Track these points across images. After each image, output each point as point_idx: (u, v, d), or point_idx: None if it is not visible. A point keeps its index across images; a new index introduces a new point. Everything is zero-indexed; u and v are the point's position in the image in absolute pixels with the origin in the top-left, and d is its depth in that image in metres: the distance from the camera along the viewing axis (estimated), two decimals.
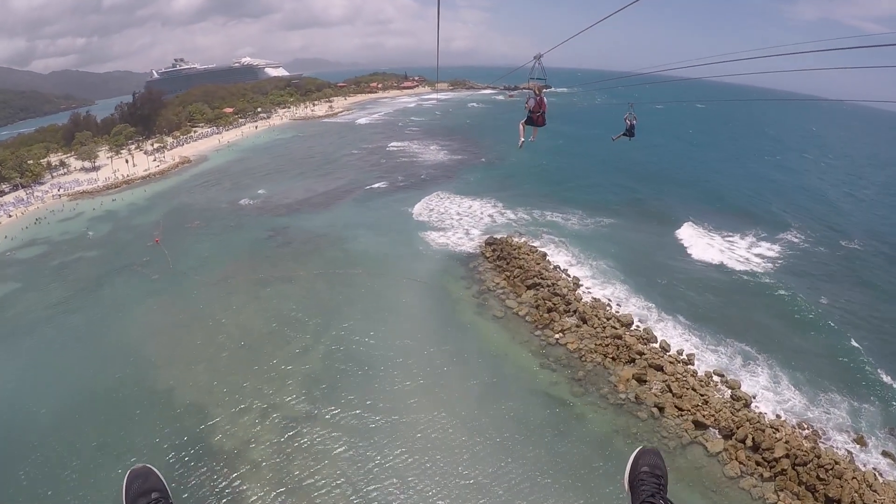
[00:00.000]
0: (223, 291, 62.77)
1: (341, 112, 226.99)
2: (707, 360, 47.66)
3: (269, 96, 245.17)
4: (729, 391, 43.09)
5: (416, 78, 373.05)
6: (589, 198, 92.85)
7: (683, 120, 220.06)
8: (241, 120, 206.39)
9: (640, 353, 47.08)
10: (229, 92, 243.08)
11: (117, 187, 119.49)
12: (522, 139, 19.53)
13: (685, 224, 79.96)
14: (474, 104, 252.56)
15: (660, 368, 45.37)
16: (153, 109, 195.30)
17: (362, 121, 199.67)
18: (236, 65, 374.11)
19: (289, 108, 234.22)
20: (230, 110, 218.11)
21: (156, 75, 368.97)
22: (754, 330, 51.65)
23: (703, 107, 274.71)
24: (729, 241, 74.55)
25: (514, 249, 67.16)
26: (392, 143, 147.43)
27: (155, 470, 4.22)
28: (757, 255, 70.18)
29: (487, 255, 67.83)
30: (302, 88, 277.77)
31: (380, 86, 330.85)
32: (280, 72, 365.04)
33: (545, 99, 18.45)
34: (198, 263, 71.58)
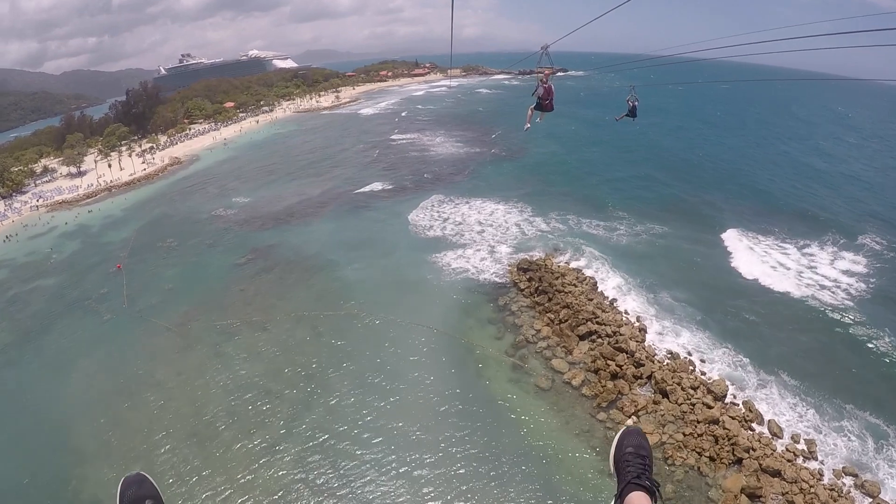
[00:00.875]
0: (180, 344, 47.61)
1: (348, 102, 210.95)
2: (833, 447, 32.45)
3: (274, 89, 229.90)
4: None
5: (428, 65, 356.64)
6: (621, 196, 77.50)
7: (706, 102, 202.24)
8: (241, 115, 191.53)
9: (749, 450, 31.47)
10: (232, 85, 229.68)
11: (97, 195, 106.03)
12: (528, 125, 19.72)
13: (736, 230, 64.47)
14: (487, 90, 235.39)
15: (777, 473, 30.10)
16: (149, 107, 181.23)
17: (368, 111, 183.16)
18: (244, 58, 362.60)
19: (293, 100, 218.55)
20: (231, 105, 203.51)
21: (163, 72, 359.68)
22: (876, 390, 36.32)
23: (728, 87, 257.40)
24: (807, 256, 57.55)
25: (556, 277, 50.70)
26: (398, 135, 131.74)
27: (149, 477, 4.02)
28: (845, 274, 53.05)
29: (522, 285, 51.37)
30: (309, 79, 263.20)
31: (390, 74, 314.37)
32: (288, 63, 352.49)
33: (553, 86, 18.62)
34: (158, 299, 56.93)
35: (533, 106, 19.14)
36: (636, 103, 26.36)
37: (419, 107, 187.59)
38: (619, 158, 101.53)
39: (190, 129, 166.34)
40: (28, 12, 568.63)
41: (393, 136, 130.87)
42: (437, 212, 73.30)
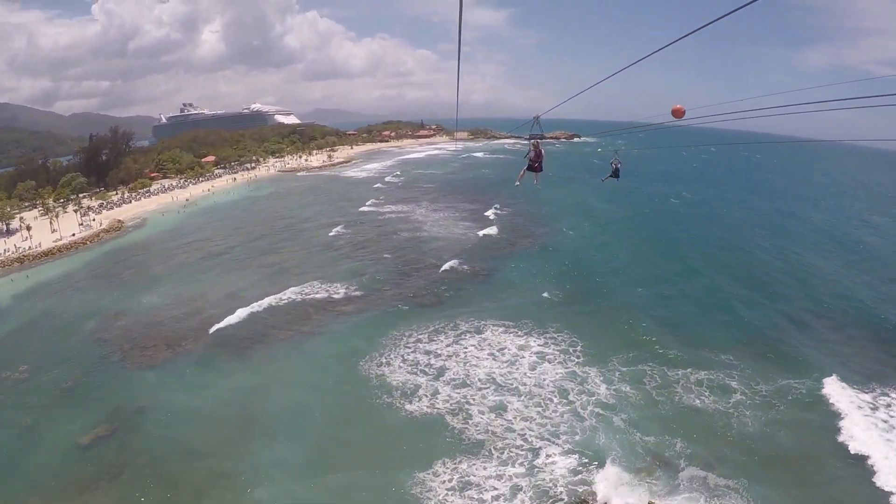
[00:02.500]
0: None
1: (341, 163, 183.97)
2: None
3: (265, 144, 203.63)
4: None
5: (434, 127, 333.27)
6: (687, 319, 50.91)
7: (731, 171, 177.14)
8: (218, 171, 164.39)
9: None
10: (222, 138, 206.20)
11: (2, 267, 77.51)
12: (518, 182, 21.07)
13: (836, 377, 39.42)
14: (494, 155, 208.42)
15: None
16: (114, 156, 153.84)
17: (361, 174, 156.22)
18: (245, 111, 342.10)
19: (283, 157, 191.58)
20: (212, 159, 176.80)
21: (164, 120, 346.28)
22: None
23: (760, 157, 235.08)
24: None
25: None
26: (389, 207, 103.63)
27: None
28: None
29: None
30: (306, 136, 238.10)
31: (392, 134, 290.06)
32: (291, 119, 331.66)
33: (542, 150, 19.79)
34: None
35: (525, 168, 20.09)
36: (619, 165, 26.82)
37: (419, 171, 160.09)
38: (656, 249, 76.20)
39: (152, 186, 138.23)
40: (44, 49, 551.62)
41: (381, 208, 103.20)
42: (425, 351, 43.74)
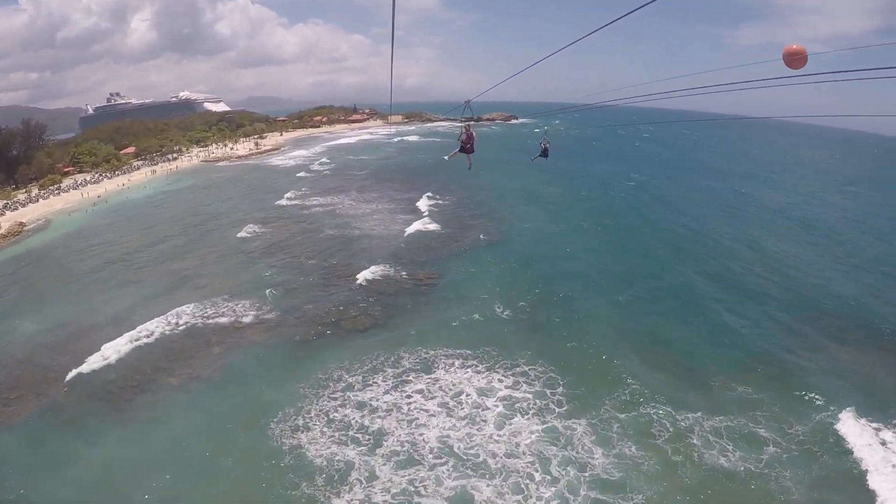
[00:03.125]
0: None
1: (268, 151, 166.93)
2: None
3: (190, 133, 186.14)
4: None
5: (367, 111, 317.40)
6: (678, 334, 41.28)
7: (673, 150, 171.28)
8: (137, 163, 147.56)
9: None
10: (146, 128, 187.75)
11: None
12: (448, 158, 22.22)
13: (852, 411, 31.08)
14: (430, 138, 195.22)
15: None
16: (25, 150, 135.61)
17: (288, 163, 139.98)
18: (173, 99, 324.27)
19: (207, 146, 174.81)
20: (132, 150, 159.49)
21: (90, 111, 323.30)
22: None
23: (700, 136, 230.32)
24: None
25: None
26: (315, 200, 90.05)
27: None
28: None
29: None
30: (234, 123, 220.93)
31: (324, 119, 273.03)
32: (221, 107, 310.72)
33: (473, 133, 20.23)
34: None
35: (458, 149, 20.50)
36: (548, 145, 27.06)
37: (349, 157, 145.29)
38: (615, 240, 66.92)
39: (63, 182, 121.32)
40: None
41: (306, 200, 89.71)
42: (357, 403, 31.72)
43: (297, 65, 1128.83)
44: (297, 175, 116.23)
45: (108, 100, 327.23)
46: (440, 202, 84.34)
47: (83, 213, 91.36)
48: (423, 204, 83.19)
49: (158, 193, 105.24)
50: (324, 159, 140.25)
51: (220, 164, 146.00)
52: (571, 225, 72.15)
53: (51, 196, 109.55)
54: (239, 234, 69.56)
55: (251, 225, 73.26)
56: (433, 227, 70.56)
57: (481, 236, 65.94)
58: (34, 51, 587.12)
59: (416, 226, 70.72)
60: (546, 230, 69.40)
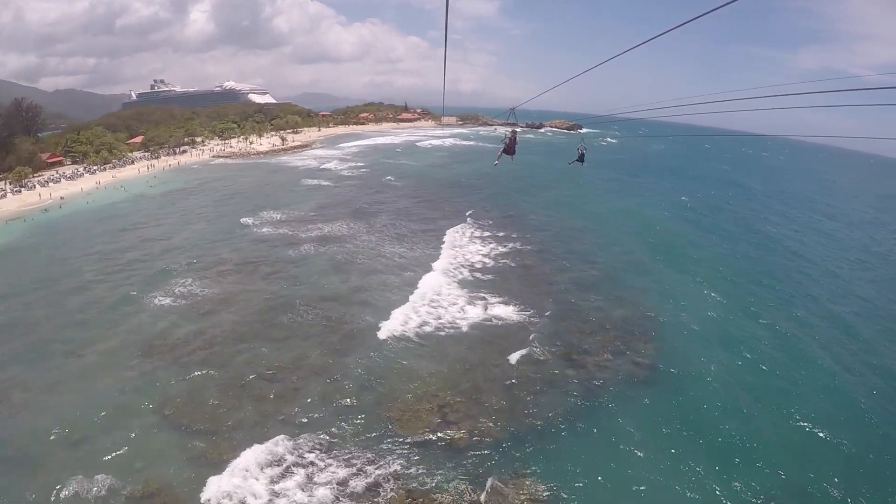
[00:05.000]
0: None
1: (295, 148, 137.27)
2: None
3: (214, 124, 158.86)
4: None
5: (419, 110, 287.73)
6: None
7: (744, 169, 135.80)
8: (137, 154, 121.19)
9: None
10: (170, 115, 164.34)
11: None
12: (497, 161, 21.78)
13: None
14: (491, 143, 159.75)
15: None
16: (12, 135, 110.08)
17: (310, 163, 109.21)
18: (217, 89, 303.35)
19: (228, 139, 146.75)
20: (139, 140, 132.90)
21: (133, 96, 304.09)
22: None
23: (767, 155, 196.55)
24: None
25: None
26: (316, 228, 57.66)
27: None
28: None
29: None
30: (270, 115, 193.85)
31: (371, 116, 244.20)
32: (267, 98, 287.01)
33: (517, 136, 20.69)
34: None
35: (502, 150, 20.88)
36: (584, 151, 25.70)
37: (388, 161, 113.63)
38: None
39: (33, 176, 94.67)
40: (32, 24, 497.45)
41: (303, 228, 58.18)
42: None
43: (352, 63, 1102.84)
44: (308, 183, 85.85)
45: (152, 86, 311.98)
46: (519, 249, 51.86)
47: (23, 224, 63.82)
48: (489, 253, 50.53)
49: (127, 200, 76.43)
50: (357, 163, 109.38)
51: (230, 161, 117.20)
52: (754, 307, 40.35)
53: (8, 195, 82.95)
54: (158, 301, 38.42)
55: (185, 281, 42.04)
56: (516, 317, 36.57)
57: (619, 357, 31.89)
58: (93, 36, 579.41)
59: (478, 311, 37.28)
60: (725, 326, 36.97)
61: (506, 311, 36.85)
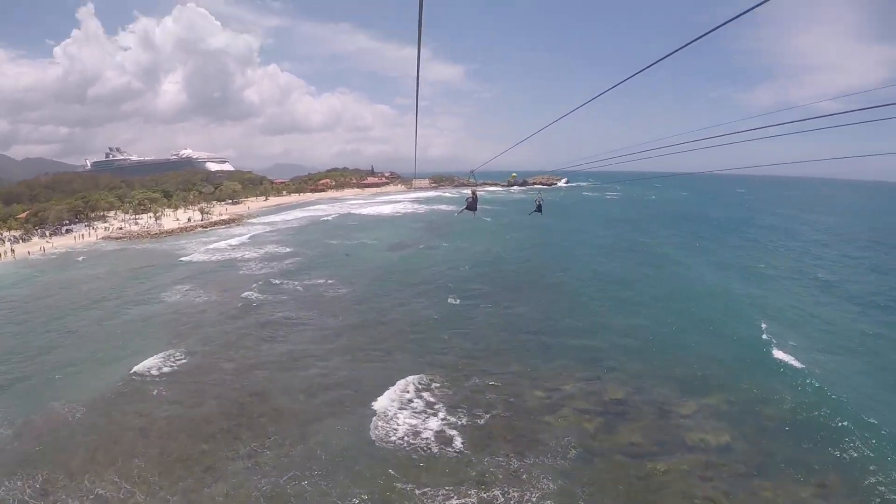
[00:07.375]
0: None
1: (220, 224, 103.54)
2: None
3: (133, 193, 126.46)
4: None
5: (386, 174, 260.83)
6: None
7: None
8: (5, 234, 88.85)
9: None
10: (93, 184, 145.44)
11: None
12: (457, 213, 25.47)
13: None
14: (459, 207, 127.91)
15: None
16: None
17: (217, 247, 74.61)
18: (174, 157, 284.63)
19: (148, 212, 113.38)
20: (23, 216, 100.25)
21: (89, 165, 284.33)
22: None
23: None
24: None
25: None
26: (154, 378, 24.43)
27: None
28: None
29: None
30: (216, 183, 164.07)
31: (332, 183, 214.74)
32: (226, 167, 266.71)
33: (477, 195, 21.36)
34: None
35: (464, 207, 21.73)
36: (541, 202, 27.00)
37: (324, 242, 79.68)
38: None
39: None
40: (4, 89, 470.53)
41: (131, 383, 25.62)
42: None
43: (322, 133, 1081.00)
44: (170, 296, 51.25)
45: (107, 155, 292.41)
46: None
47: None
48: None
49: None
50: (280, 247, 75.45)
51: (108, 248, 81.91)
52: None
53: None
54: None
55: None
56: None
57: None
58: (65, 104, 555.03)
59: None
60: None
61: None
